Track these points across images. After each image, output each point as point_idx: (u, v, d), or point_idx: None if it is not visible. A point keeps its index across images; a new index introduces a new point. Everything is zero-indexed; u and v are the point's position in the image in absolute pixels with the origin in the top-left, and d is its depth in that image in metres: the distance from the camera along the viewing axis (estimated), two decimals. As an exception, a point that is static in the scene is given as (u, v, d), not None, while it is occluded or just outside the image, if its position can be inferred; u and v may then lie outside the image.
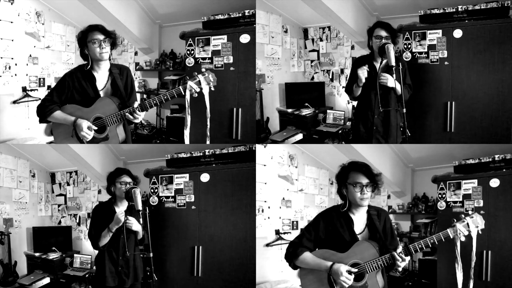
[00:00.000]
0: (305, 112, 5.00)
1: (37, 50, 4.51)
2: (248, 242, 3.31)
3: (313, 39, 5.41)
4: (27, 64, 4.39)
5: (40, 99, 4.48)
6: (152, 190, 3.55)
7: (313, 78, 5.47)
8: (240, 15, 3.69)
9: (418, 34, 3.63)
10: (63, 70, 4.91)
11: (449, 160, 3.79)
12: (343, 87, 5.13)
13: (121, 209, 2.99)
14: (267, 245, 4.10)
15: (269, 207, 4.14)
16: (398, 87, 2.97)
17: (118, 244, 2.93)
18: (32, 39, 4.43)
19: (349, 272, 2.26)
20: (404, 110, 2.86)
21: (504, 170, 3.43)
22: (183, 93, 2.53)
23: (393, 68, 2.86)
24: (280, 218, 4.30)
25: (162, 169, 3.58)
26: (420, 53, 3.63)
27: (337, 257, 2.32)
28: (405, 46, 3.68)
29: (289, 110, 5.08)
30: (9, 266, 4.14)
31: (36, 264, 4.52)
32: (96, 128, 2.64)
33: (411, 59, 3.65)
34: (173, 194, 3.50)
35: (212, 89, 2.59)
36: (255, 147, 3.44)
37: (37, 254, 4.56)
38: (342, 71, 5.20)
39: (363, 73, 2.95)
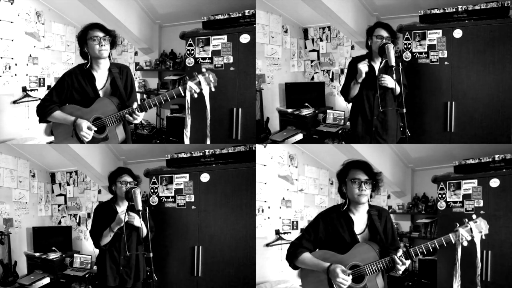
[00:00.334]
0: (305, 112, 5.00)
1: (37, 50, 4.51)
2: (248, 242, 3.31)
3: (313, 39, 5.41)
4: (27, 64, 4.39)
5: (40, 99, 4.49)
6: (152, 190, 3.55)
7: (313, 78, 5.47)
8: (240, 15, 3.69)
9: (418, 34, 3.63)
10: (63, 70, 4.91)
11: (449, 160, 3.79)
12: (340, 90, 5.12)
13: (122, 208, 3.00)
14: (267, 245, 4.10)
15: (269, 207, 4.14)
16: (397, 87, 2.97)
17: (119, 243, 2.94)
18: (32, 39, 4.43)
19: (347, 274, 2.25)
20: (404, 110, 2.86)
21: (504, 170, 3.42)
22: (183, 94, 2.51)
23: (393, 68, 2.86)
24: (280, 218, 4.30)
25: (162, 169, 3.58)
26: (420, 53, 3.63)
27: (337, 258, 2.32)
28: (405, 46, 3.68)
29: (289, 110, 5.08)
30: (9, 266, 4.14)
31: (36, 264, 4.52)
32: (96, 128, 2.63)
33: (411, 59, 3.65)
34: (173, 194, 3.50)
35: (213, 89, 2.56)
36: (255, 147, 3.43)
37: (37, 254, 4.56)
38: (342, 71, 5.20)
39: (364, 67, 2.93)
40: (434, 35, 3.58)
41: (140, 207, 2.72)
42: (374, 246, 2.30)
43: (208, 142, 2.72)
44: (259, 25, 4.71)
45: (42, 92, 4.56)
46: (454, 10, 3.57)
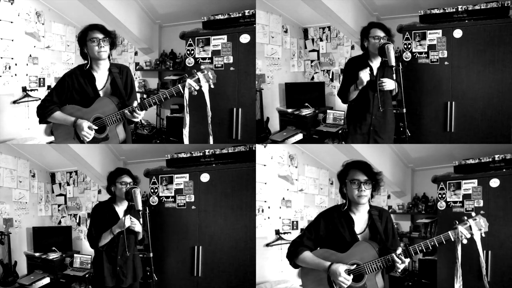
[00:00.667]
0: (305, 112, 5.00)
1: (37, 50, 4.51)
2: (248, 242, 3.31)
3: (313, 39, 5.41)
4: (27, 64, 4.39)
5: (40, 99, 4.49)
6: (152, 190, 3.55)
7: (313, 78, 5.47)
8: (240, 15, 3.69)
9: (418, 34, 3.63)
10: (63, 70, 4.91)
11: (449, 160, 3.79)
12: (337, 92, 5.12)
13: (121, 209, 2.99)
14: (267, 245, 4.10)
15: (269, 207, 4.14)
16: (396, 87, 2.97)
17: (117, 243, 2.93)
18: (32, 39, 4.43)
19: (348, 273, 2.26)
20: (404, 110, 2.86)
21: (504, 170, 3.42)
22: (182, 92, 2.50)
23: (393, 68, 2.85)
24: (280, 218, 4.30)
25: (162, 169, 3.58)
26: (420, 53, 3.63)
27: (337, 257, 2.32)
28: (405, 46, 3.68)
29: (289, 110, 5.08)
30: (9, 266, 4.14)
31: (36, 264, 4.52)
32: (96, 128, 2.64)
33: (411, 59, 3.65)
34: (173, 194, 3.50)
35: (212, 86, 2.56)
36: (255, 147, 3.44)
37: (37, 254, 4.56)
38: (342, 71, 5.20)
39: (365, 76, 2.90)
40: (434, 35, 3.58)
41: (140, 207, 2.73)
42: (374, 245, 2.31)
43: (211, 141, 2.71)
44: (259, 25, 4.71)
45: (42, 92, 4.56)
46: (454, 10, 3.57)
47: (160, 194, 3.53)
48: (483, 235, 2.25)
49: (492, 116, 3.48)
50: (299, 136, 4.77)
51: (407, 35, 3.67)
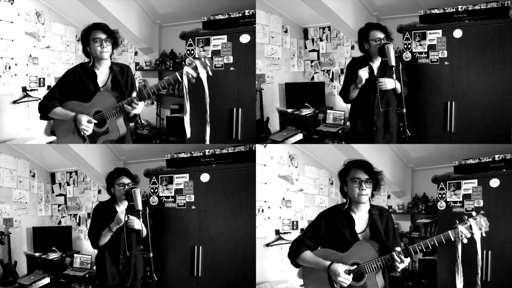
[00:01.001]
0: (305, 112, 5.00)
1: (37, 50, 4.51)
2: (248, 242, 3.31)
3: (313, 39, 5.41)
4: (27, 64, 4.39)
5: (40, 99, 4.49)
6: (152, 190, 3.55)
7: (313, 78, 5.47)
8: (240, 15, 3.68)
9: (418, 34, 3.63)
10: (63, 70, 4.87)
11: (449, 160, 3.79)
12: (339, 91, 5.12)
13: (121, 208, 2.99)
14: (267, 245, 4.10)
15: (269, 207, 4.14)
16: (398, 87, 2.97)
17: (119, 243, 2.94)
18: (32, 39, 4.43)
19: (348, 272, 2.26)
20: (404, 110, 2.86)
21: (504, 170, 3.42)
22: (180, 79, 2.46)
23: (393, 68, 2.86)
24: (280, 218, 4.30)
25: (162, 169, 3.58)
26: (420, 53, 3.63)
27: (337, 256, 2.33)
28: (405, 46, 3.68)
29: (289, 110, 5.08)
30: (9, 266, 4.15)
31: (36, 264, 4.52)
32: (96, 121, 2.66)
33: (411, 59, 3.65)
34: (173, 194, 3.50)
35: (210, 73, 2.50)
36: (255, 147, 3.43)
37: (37, 254, 4.56)
38: (342, 71, 5.20)
39: (364, 74, 2.94)
40: (434, 35, 3.58)
41: (140, 207, 2.72)
42: (374, 244, 2.31)
43: (207, 141, 2.66)
44: (259, 25, 4.71)
45: (42, 92, 4.56)
46: (454, 10, 3.57)
47: (160, 194, 3.53)
48: (484, 234, 2.23)
49: (492, 116, 3.48)
50: (299, 136, 4.77)
51: (407, 35, 3.66)
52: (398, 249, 2.24)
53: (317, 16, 4.74)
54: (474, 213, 2.27)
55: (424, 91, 3.63)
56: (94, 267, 4.38)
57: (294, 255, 2.44)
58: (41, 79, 4.58)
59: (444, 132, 3.60)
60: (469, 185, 3.54)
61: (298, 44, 5.42)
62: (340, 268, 2.25)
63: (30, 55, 4.42)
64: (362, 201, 2.35)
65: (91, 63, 2.74)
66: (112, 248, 2.95)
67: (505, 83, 3.41)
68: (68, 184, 5.08)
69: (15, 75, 4.23)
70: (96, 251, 3.06)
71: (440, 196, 3.69)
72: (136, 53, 5.25)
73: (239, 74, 3.67)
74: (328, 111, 5.10)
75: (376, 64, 3.08)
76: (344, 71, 5.09)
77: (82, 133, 2.65)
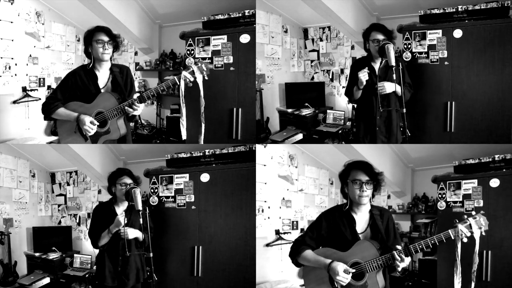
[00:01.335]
0: (305, 112, 5.00)
1: (37, 50, 4.51)
2: (248, 242, 3.31)
3: (313, 39, 5.41)
4: (27, 64, 4.39)
5: (40, 99, 4.50)
6: (152, 190, 3.55)
7: (313, 78, 5.47)
8: (240, 15, 3.68)
9: (418, 34, 3.63)
10: (63, 70, 4.92)
11: (449, 160, 3.79)
12: (343, 87, 5.13)
13: (121, 209, 2.99)
14: (267, 245, 4.10)
15: (269, 207, 4.14)
16: (398, 88, 2.98)
17: (118, 244, 2.93)
18: (32, 39, 4.43)
19: (347, 272, 2.26)
20: (404, 110, 2.87)
21: (504, 170, 3.42)
22: (178, 83, 2.62)
23: (393, 68, 2.87)
24: (280, 218, 4.30)
25: (162, 169, 3.58)
26: (420, 53, 3.63)
27: (338, 255, 2.33)
28: (405, 46, 3.68)
29: (289, 110, 5.08)
30: (9, 266, 4.15)
31: (36, 264, 4.52)
32: (98, 123, 2.74)
33: (411, 59, 3.65)
34: (173, 194, 3.50)
35: (206, 78, 2.68)
36: (255, 147, 3.43)
37: (37, 254, 4.56)
38: (342, 71, 5.20)
39: (364, 76, 2.97)
40: (434, 35, 3.58)
41: (140, 207, 2.73)
42: (375, 243, 2.32)
43: (203, 128, 2.80)
44: (259, 25, 4.71)
45: (42, 92, 4.57)
46: (454, 10, 3.57)
47: (160, 194, 3.53)
48: (484, 233, 2.25)
49: (492, 116, 3.48)
50: (299, 136, 4.77)
51: (407, 35, 3.67)
52: (398, 247, 2.24)
53: (317, 16, 4.74)
54: (474, 213, 2.29)
55: (424, 91, 3.63)
56: (94, 267, 4.38)
57: (295, 254, 2.46)
58: (41, 79, 4.57)
59: (444, 132, 3.60)
60: (469, 185, 3.54)
61: (298, 44, 5.42)
62: (340, 267, 2.26)
63: (30, 55, 4.42)
64: (363, 203, 2.36)
65: (91, 65, 2.83)
66: (111, 249, 2.95)
67: (505, 83, 3.41)
68: (68, 184, 5.08)
69: (15, 75, 4.23)
70: (97, 251, 3.06)
71: (440, 196, 3.69)
72: (136, 53, 5.25)
73: (239, 74, 3.67)
74: (328, 111, 5.10)
75: (377, 64, 3.10)
76: (345, 69, 5.11)
77: (85, 133, 2.73)
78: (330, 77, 5.31)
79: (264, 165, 4.06)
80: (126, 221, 2.86)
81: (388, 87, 3.03)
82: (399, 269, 2.25)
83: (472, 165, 3.58)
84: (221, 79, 3.65)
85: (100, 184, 4.77)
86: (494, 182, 3.42)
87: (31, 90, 4.40)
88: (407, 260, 2.24)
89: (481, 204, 3.46)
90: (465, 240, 2.24)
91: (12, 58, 4.17)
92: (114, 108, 2.74)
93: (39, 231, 4.73)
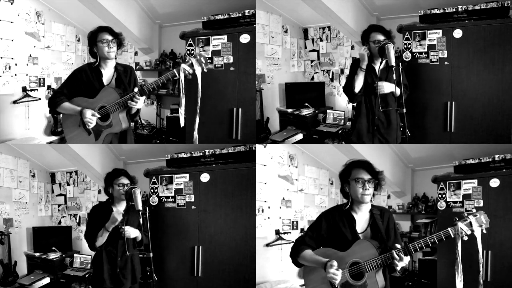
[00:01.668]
0: (305, 112, 5.00)
1: (37, 50, 4.51)
2: (248, 242, 3.31)
3: (313, 39, 5.41)
4: (27, 64, 4.39)
5: (40, 99, 4.51)
6: (152, 190, 3.55)
7: (313, 78, 5.47)
8: (240, 15, 3.69)
9: (418, 34, 3.63)
10: (63, 70, 4.92)
11: (449, 160, 3.79)
12: (343, 87, 5.13)
13: (118, 209, 2.98)
14: (267, 245, 4.10)
15: (269, 207, 4.14)
16: (397, 90, 2.99)
17: (117, 244, 2.92)
18: (32, 39, 4.43)
19: (337, 269, 2.24)
20: (404, 110, 2.87)
21: (504, 170, 3.42)
22: (178, 75, 2.69)
23: (393, 68, 2.87)
24: (280, 218, 4.30)
25: (162, 169, 3.58)
26: (420, 53, 3.63)
27: (338, 255, 2.33)
28: (405, 46, 3.68)
29: (289, 110, 5.08)
30: (9, 266, 4.15)
31: (36, 264, 4.52)
32: (100, 116, 2.85)
33: (411, 59, 3.65)
34: (173, 194, 3.50)
35: (205, 70, 2.73)
36: (255, 147, 3.44)
37: (37, 254, 4.56)
38: (342, 71, 5.20)
39: (365, 51, 3.00)
40: (434, 35, 3.58)
41: (140, 207, 2.72)
42: (374, 243, 2.31)
43: (197, 119, 2.83)
44: (259, 25, 4.71)
45: (42, 92, 4.57)
46: (454, 10, 3.57)
47: (160, 194, 3.53)
48: (484, 231, 2.20)
49: (492, 116, 3.48)
50: (299, 136, 4.77)
51: (407, 35, 3.67)
52: (398, 246, 2.23)
53: (317, 16, 4.74)
54: (474, 210, 2.25)
55: (424, 91, 3.63)
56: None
57: (295, 254, 2.46)
58: (41, 79, 4.58)
59: (444, 132, 3.60)
60: (469, 185, 3.54)
61: (298, 44, 5.42)
62: (331, 263, 2.23)
63: (30, 55, 4.43)
64: (365, 201, 2.36)
65: (97, 63, 2.94)
66: (109, 249, 2.94)
67: (505, 83, 3.41)
68: (68, 184, 5.09)
69: (15, 75, 4.24)
70: (93, 252, 3.05)
71: (440, 196, 3.69)
72: (136, 53, 5.25)
73: (239, 74, 3.67)
74: (328, 111, 5.10)
75: (377, 65, 3.10)
76: (345, 69, 5.11)
77: (87, 126, 2.85)
78: (330, 77, 5.31)
79: (264, 165, 4.06)
80: (123, 219, 2.84)
81: (387, 87, 3.05)
82: (398, 268, 2.24)
83: (472, 165, 3.58)
84: (221, 79, 3.65)
85: (100, 184, 4.77)
86: (494, 182, 3.42)
87: (31, 90, 4.41)
88: (406, 259, 2.23)
89: (481, 204, 3.46)
90: (465, 238, 2.19)
91: (12, 58, 4.17)
92: (116, 101, 2.82)
93: (39, 231, 4.73)
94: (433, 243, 2.23)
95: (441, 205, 3.68)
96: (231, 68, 3.68)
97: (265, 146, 4.13)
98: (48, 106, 2.98)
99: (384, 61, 3.09)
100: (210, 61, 3.76)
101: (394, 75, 2.93)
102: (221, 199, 3.39)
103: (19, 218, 4.60)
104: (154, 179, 3.55)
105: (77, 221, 5.01)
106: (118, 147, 4.29)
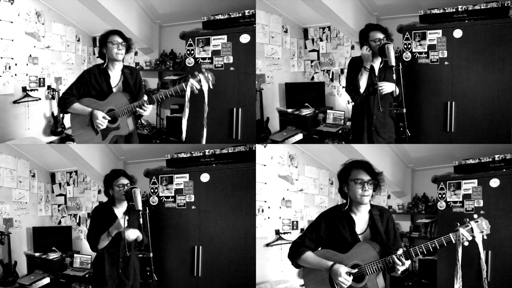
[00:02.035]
0: (305, 112, 5.00)
1: (37, 50, 4.51)
2: (248, 242, 3.31)
3: (313, 39, 5.41)
4: (27, 64, 4.39)
5: (39, 99, 4.51)
6: (152, 190, 3.55)
7: (313, 78, 5.47)
8: (240, 15, 3.69)
9: (418, 34, 3.63)
10: (63, 70, 4.92)
11: (449, 160, 3.79)
12: (343, 87, 5.13)
13: (120, 210, 2.98)
14: (267, 245, 4.10)
15: (269, 207, 4.14)
16: (396, 89, 2.99)
17: (118, 245, 2.92)
18: (32, 39, 4.43)
19: (349, 274, 2.26)
20: (404, 110, 2.86)
21: (504, 170, 3.43)
22: (185, 90, 2.88)
23: (393, 68, 2.86)
24: (280, 218, 4.30)
25: (162, 169, 3.58)
26: (420, 53, 3.63)
27: (338, 257, 2.33)
28: (405, 46, 3.68)
29: (289, 110, 5.08)
30: (9, 266, 4.15)
31: (36, 264, 4.52)
32: (109, 118, 2.97)
33: (411, 59, 3.65)
34: (173, 194, 3.50)
35: (211, 87, 2.90)
36: (255, 147, 3.44)
37: (37, 254, 4.56)
38: (342, 71, 5.20)
39: (367, 50, 2.99)
40: (434, 35, 3.58)
41: (140, 207, 2.72)
42: (375, 245, 2.31)
43: (204, 141, 3.01)
44: (259, 25, 4.71)
45: (42, 92, 4.57)
46: (454, 10, 3.57)
47: (160, 194, 3.53)
48: (485, 237, 2.21)
49: (492, 116, 3.48)
50: (299, 136, 4.77)
51: (407, 35, 3.67)
52: (399, 252, 2.23)
53: (317, 16, 4.74)
54: (475, 216, 2.26)
55: (424, 91, 3.64)
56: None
57: (295, 256, 2.44)
58: (41, 79, 4.57)
59: (444, 132, 3.60)
60: (469, 185, 3.54)
61: (298, 44, 5.42)
62: (342, 269, 2.25)
63: (30, 55, 4.43)
64: (364, 202, 2.35)
65: (105, 65, 3.05)
66: (111, 251, 2.94)
67: (505, 83, 3.41)
68: (68, 184, 5.09)
69: (15, 75, 4.23)
70: (94, 254, 3.05)
71: (440, 196, 3.69)
72: (136, 53, 5.24)
73: (239, 74, 3.68)
74: (328, 111, 5.10)
75: (376, 64, 3.09)
76: (345, 69, 5.10)
77: (96, 127, 2.97)
78: (330, 77, 5.31)
79: (264, 165, 4.06)
80: (126, 224, 2.85)
81: (388, 87, 3.03)
82: (399, 272, 2.24)
83: (472, 165, 3.58)
84: (221, 79, 3.65)
85: (100, 184, 4.77)
86: (494, 182, 3.42)
87: (31, 90, 4.40)
88: (407, 263, 2.23)
89: (481, 204, 3.47)
90: (466, 244, 2.20)
91: (12, 58, 4.17)
92: (125, 107, 2.97)
93: (39, 231, 4.73)
94: (434, 248, 2.24)
95: (441, 205, 3.68)
96: (231, 68, 3.68)
97: (265, 146, 4.13)
98: (58, 106, 3.18)
99: (383, 61, 3.08)
100: (210, 61, 3.77)
101: (394, 75, 2.93)
102: (221, 199, 3.39)
103: (19, 218, 4.60)
104: (154, 179, 3.55)
105: (77, 221, 5.01)
106: (118, 147, 4.29)
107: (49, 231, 4.82)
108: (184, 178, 3.49)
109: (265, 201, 4.07)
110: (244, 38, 3.65)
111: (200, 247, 3.37)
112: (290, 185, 4.44)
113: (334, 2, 4.32)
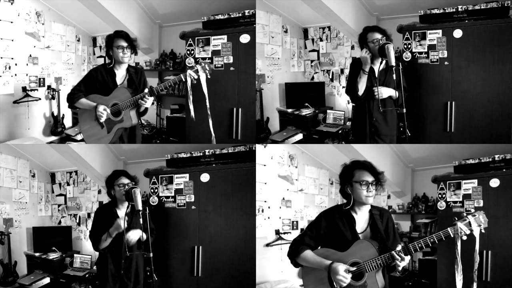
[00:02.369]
0: (305, 112, 5.00)
1: (37, 50, 4.51)
2: (248, 242, 3.31)
3: (313, 39, 5.41)
4: (27, 64, 4.39)
5: (40, 99, 4.51)
6: (152, 190, 3.55)
7: (313, 78, 5.47)
8: (240, 15, 3.69)
9: (418, 34, 3.63)
10: (63, 70, 4.92)
11: (449, 160, 3.79)
12: (343, 87, 5.13)
13: (122, 211, 2.99)
14: (267, 245, 4.10)
15: (269, 207, 4.14)
16: (394, 94, 3.03)
17: (121, 246, 2.92)
18: (32, 39, 4.43)
19: (348, 272, 2.27)
20: (404, 110, 2.86)
21: (504, 170, 3.43)
22: (184, 80, 3.05)
23: (393, 68, 2.87)
24: (280, 218, 4.30)
25: (162, 169, 3.58)
26: (420, 53, 3.63)
27: (338, 256, 2.33)
28: (405, 46, 3.68)
29: (289, 110, 5.08)
30: (9, 266, 4.15)
31: (36, 264, 4.52)
32: (109, 110, 3.13)
33: (411, 59, 3.65)
34: (173, 194, 3.50)
35: (209, 76, 3.07)
36: (255, 147, 3.44)
37: (37, 254, 4.56)
38: (342, 71, 5.20)
39: (367, 53, 3.01)
40: (434, 35, 3.58)
41: (140, 207, 2.72)
42: (374, 243, 2.31)
43: (214, 141, 3.23)
44: (259, 25, 4.71)
45: (42, 92, 4.57)
46: (454, 10, 3.57)
47: (160, 194, 3.53)
48: (483, 231, 2.23)
49: (492, 116, 3.48)
50: (299, 136, 4.77)
51: (407, 35, 3.67)
52: (398, 247, 2.24)
53: (317, 16, 4.74)
54: (473, 210, 2.28)
55: (424, 91, 3.63)
56: (94, 267, 4.38)
57: (294, 255, 2.44)
58: (41, 79, 4.58)
59: (444, 132, 3.60)
60: (469, 185, 3.54)
61: (298, 44, 5.42)
62: (340, 267, 2.26)
63: (30, 55, 4.43)
64: (369, 203, 2.36)
65: (112, 64, 3.20)
66: (113, 251, 2.94)
67: (505, 83, 3.41)
68: (68, 184, 5.09)
69: (15, 75, 4.23)
70: (97, 253, 3.05)
71: (440, 196, 3.69)
72: (136, 53, 5.24)
73: (239, 74, 3.68)
74: (328, 111, 5.10)
75: (376, 66, 3.10)
76: (346, 69, 5.11)
77: (99, 118, 3.13)
78: (330, 77, 5.31)
79: (264, 165, 4.06)
80: (127, 225, 2.85)
81: (385, 92, 3.06)
82: (400, 268, 2.24)
83: (472, 165, 3.58)
84: (221, 79, 3.66)
85: (100, 184, 4.77)
86: (494, 182, 3.42)
87: (31, 90, 4.40)
88: (407, 259, 2.24)
89: (481, 204, 3.47)
90: (464, 238, 2.21)
91: (12, 58, 4.17)
92: (128, 100, 3.11)
93: (39, 231, 4.73)
94: (432, 243, 2.25)
95: (441, 205, 3.68)
96: (231, 68, 3.68)
97: (265, 146, 4.13)
98: (67, 101, 3.27)
99: (383, 62, 3.09)
100: (210, 61, 3.77)
101: (394, 75, 2.93)
102: (221, 199, 3.39)
103: (19, 218, 4.60)
104: (154, 179, 3.55)
105: (77, 221, 5.00)
106: (118, 147, 4.29)
107: (49, 231, 4.82)
108: (184, 178, 3.49)
109: (265, 201, 4.07)
110: (244, 38, 3.65)
111: (200, 247, 3.37)
112: (290, 185, 4.44)
113: (334, 2, 4.32)
